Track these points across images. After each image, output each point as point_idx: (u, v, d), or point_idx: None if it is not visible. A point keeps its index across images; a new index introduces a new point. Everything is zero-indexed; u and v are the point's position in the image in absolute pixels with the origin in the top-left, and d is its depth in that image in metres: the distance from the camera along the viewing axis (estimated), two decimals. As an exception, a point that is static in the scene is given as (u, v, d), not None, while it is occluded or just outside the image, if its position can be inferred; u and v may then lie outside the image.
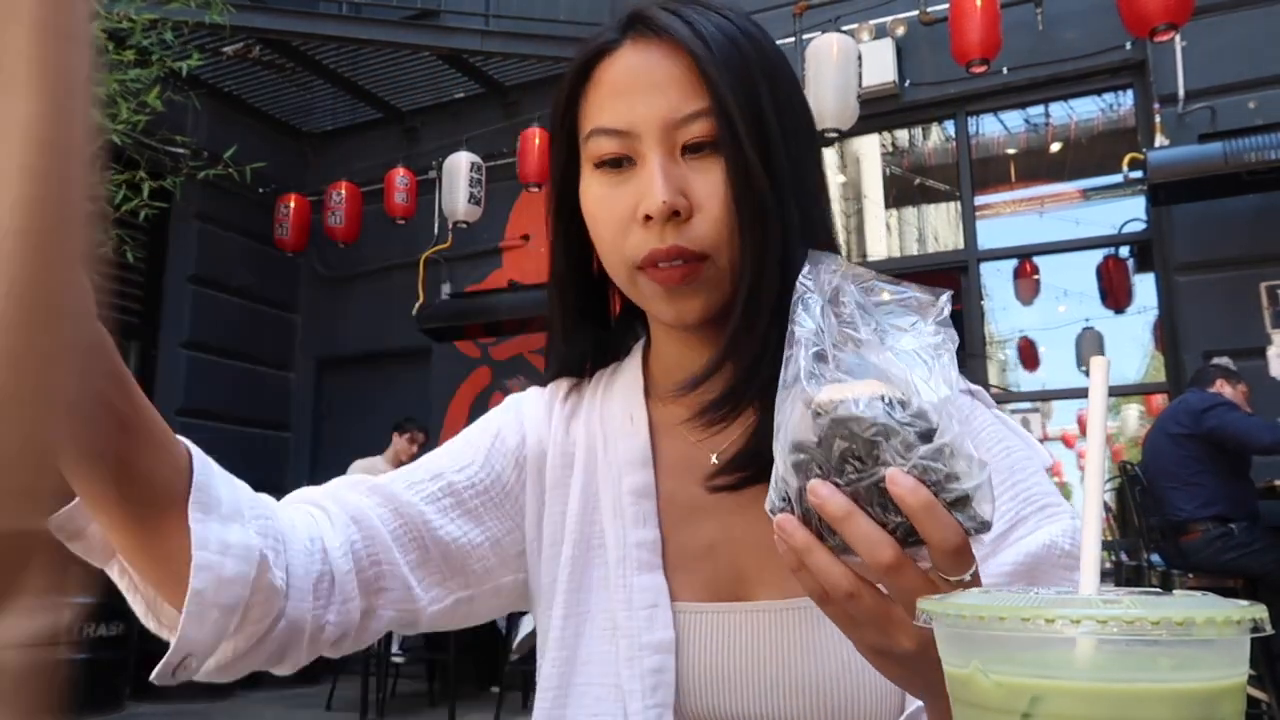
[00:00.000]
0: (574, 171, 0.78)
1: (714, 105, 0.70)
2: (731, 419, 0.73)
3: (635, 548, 0.76)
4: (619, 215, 0.72)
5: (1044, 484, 0.71)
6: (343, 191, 6.67)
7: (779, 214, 0.71)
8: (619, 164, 0.73)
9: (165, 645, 0.60)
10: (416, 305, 6.71)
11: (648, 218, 0.70)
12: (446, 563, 0.77)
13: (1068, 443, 10.50)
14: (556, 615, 0.78)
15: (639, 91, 0.72)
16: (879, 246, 9.69)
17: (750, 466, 0.72)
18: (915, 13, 5.45)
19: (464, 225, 6.41)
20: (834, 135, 5.05)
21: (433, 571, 0.77)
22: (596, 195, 0.74)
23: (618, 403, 0.82)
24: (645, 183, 0.71)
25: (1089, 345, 7.15)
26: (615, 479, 0.79)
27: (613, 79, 0.74)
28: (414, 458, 5.65)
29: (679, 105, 0.71)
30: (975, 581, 0.50)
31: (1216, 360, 4.41)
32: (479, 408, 6.64)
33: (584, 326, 0.84)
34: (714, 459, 0.76)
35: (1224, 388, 4.11)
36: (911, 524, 0.48)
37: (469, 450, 0.82)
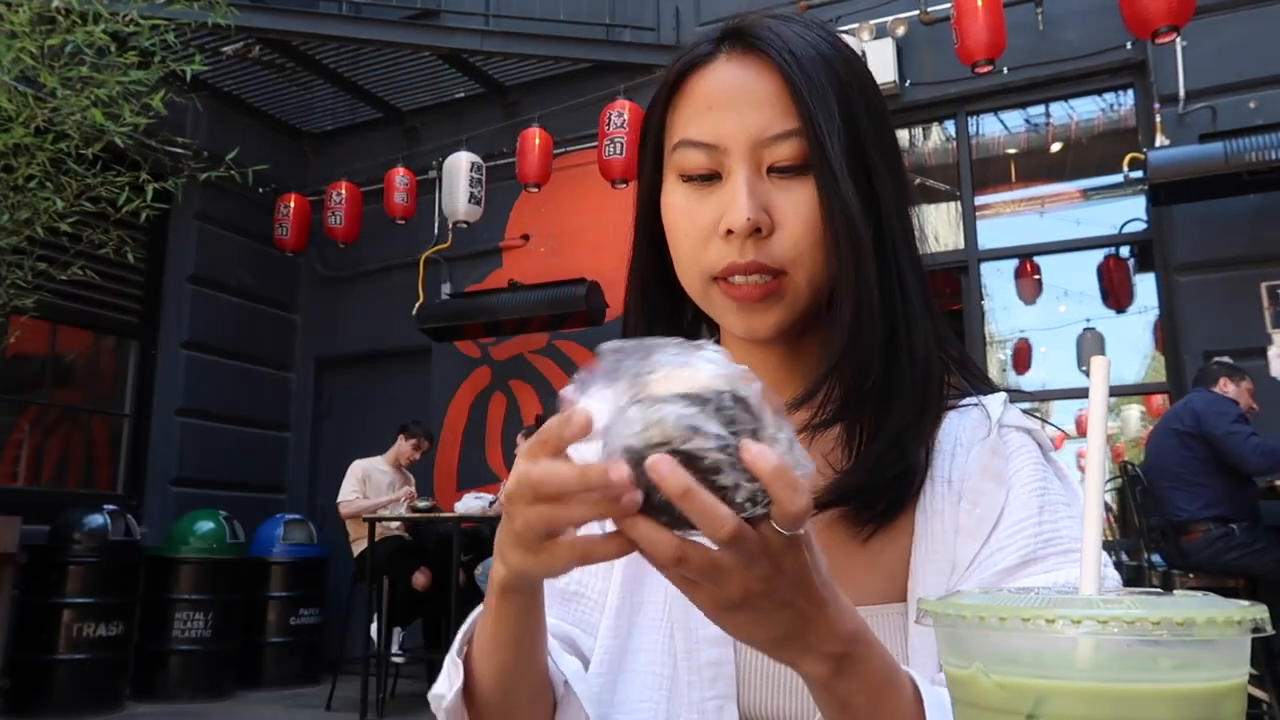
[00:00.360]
0: (659, 179, 0.78)
1: (805, 126, 0.70)
2: (822, 433, 0.73)
3: None
4: (700, 227, 0.73)
5: (1074, 530, 0.70)
6: (343, 191, 6.66)
7: (873, 233, 0.71)
8: (704, 177, 0.73)
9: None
10: (416, 305, 6.71)
11: (729, 232, 0.70)
12: (591, 624, 0.79)
13: (1057, 445, 10.47)
14: (611, 606, 0.79)
15: (729, 106, 0.72)
16: (879, 246, 9.63)
17: (831, 487, 0.72)
18: (915, 12, 5.45)
19: (464, 225, 6.41)
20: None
21: (583, 656, 0.78)
22: (679, 206, 0.74)
23: None
24: (729, 197, 0.71)
25: (1090, 345, 7.13)
26: None
27: (704, 92, 0.73)
28: (415, 463, 5.57)
29: (770, 123, 0.71)
30: (807, 537, 0.49)
31: (1218, 359, 4.41)
32: (479, 408, 6.64)
33: (658, 327, 0.84)
34: None
35: (1227, 386, 4.10)
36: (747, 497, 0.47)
37: None
